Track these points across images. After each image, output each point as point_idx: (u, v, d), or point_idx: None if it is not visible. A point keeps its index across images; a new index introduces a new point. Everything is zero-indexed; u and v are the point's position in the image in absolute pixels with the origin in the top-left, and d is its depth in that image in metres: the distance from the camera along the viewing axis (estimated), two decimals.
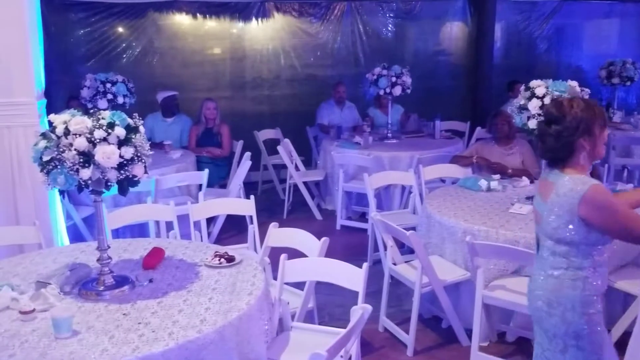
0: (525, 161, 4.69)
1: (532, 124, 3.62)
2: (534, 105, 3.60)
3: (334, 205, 6.14)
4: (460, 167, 4.71)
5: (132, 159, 2.25)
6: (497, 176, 4.33)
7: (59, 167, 2.19)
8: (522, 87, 3.71)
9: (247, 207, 3.80)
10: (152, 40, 7.30)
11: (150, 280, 2.57)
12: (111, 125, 2.23)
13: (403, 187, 5.46)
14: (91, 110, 2.36)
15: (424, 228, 3.79)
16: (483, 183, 4.12)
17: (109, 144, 2.20)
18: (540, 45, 9.02)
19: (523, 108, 3.68)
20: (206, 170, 4.87)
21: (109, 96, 5.22)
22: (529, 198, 3.86)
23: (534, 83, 3.68)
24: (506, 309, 3.24)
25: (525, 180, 4.28)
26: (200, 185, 4.91)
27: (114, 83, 5.30)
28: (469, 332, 3.44)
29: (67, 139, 2.18)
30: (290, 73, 7.93)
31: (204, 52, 7.60)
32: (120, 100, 5.24)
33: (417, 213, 4.62)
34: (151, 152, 2.39)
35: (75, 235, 4.66)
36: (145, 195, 4.61)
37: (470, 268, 3.38)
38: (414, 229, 3.63)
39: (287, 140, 6.31)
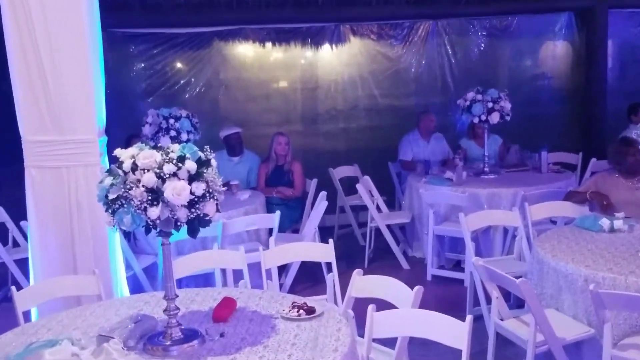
0: None
1: None
2: None
3: (423, 252, 6.05)
4: (575, 205, 4.55)
5: (203, 196, 2.30)
6: (622, 214, 4.14)
7: (125, 205, 2.26)
8: None
9: (325, 252, 3.79)
10: (217, 71, 7.58)
11: (222, 335, 2.58)
12: (181, 159, 2.29)
13: (505, 230, 5.32)
14: (159, 145, 2.44)
15: (536, 276, 3.66)
16: (605, 222, 3.95)
17: (179, 179, 2.25)
18: None
19: None
20: (277, 213, 4.93)
21: (172, 133, 5.40)
22: None
23: None
24: None
25: None
26: (271, 230, 4.97)
27: (177, 118, 5.48)
28: None
29: (134, 174, 2.25)
30: (368, 103, 8.01)
31: (272, 83, 7.83)
32: (184, 136, 5.41)
33: (524, 260, 4.49)
34: (224, 189, 2.43)
35: (135, 287, 4.79)
36: (211, 241, 4.69)
37: (595, 323, 3.22)
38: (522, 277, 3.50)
39: (366, 178, 6.31)
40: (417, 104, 7.96)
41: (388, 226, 6.13)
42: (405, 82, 8.05)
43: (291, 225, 6.08)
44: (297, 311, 2.73)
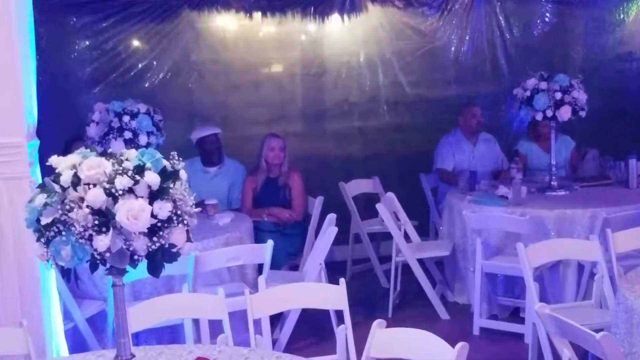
0: None
1: None
2: None
3: (468, 296, 6.04)
4: None
5: (169, 220, 2.31)
6: None
7: (64, 233, 2.26)
8: None
9: (334, 296, 3.77)
10: (188, 52, 7.57)
11: None
12: (140, 170, 2.30)
13: (580, 266, 5.31)
14: (109, 152, 2.45)
15: (622, 330, 3.63)
16: None
17: (137, 197, 2.26)
18: None
19: None
20: (269, 243, 4.92)
21: (127, 134, 5.41)
22: None
23: None
24: None
25: None
26: (261, 266, 4.97)
27: (133, 115, 5.49)
28: None
29: (76, 191, 2.26)
30: (392, 94, 8.03)
31: (262, 67, 7.85)
32: (143, 139, 5.41)
33: (606, 307, 4.47)
34: (197, 210, 2.44)
35: (76, 343, 4.78)
36: (180, 281, 4.70)
37: None
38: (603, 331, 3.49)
39: (390, 195, 6.31)
40: (459, 95, 7.98)
41: (420, 261, 6.11)
42: (442, 65, 8.06)
43: (288, 259, 6.08)
44: None
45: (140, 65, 7.47)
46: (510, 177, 6.22)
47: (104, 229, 2.25)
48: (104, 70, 7.39)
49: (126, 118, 5.50)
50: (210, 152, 6.50)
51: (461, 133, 7.10)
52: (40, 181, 3.81)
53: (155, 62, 7.50)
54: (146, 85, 7.45)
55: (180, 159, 2.46)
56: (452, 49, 8.05)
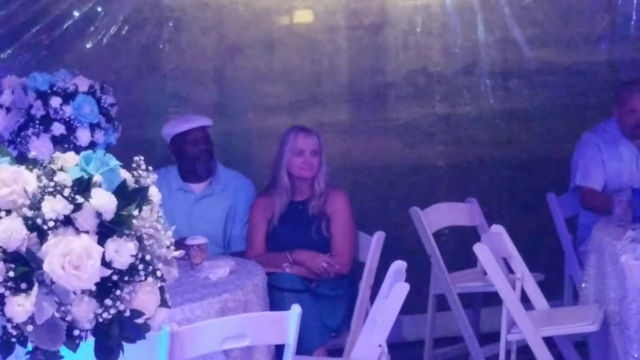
0: None
1: None
2: None
3: None
4: None
5: (131, 271, 2.32)
6: None
7: None
8: None
9: None
10: None
11: None
12: (82, 187, 2.29)
13: None
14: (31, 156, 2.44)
15: None
16: None
17: (79, 232, 2.26)
18: None
19: None
20: (294, 310, 4.90)
21: (57, 127, 5.42)
22: None
23: None
24: None
25: None
26: (280, 349, 4.96)
27: (68, 96, 5.51)
28: None
29: None
30: (501, 60, 8.10)
31: (280, 15, 7.95)
32: (84, 136, 5.42)
33: None
34: (177, 254, 2.49)
35: None
36: None
37: None
38: None
39: (498, 230, 6.27)
40: (615, 62, 8.05)
41: (548, 340, 6.09)
42: (586, 11, 8.07)
43: (325, 336, 6.09)
44: None
45: (77, 14, 7.54)
46: None
47: (23, 286, 2.27)
48: (18, 21, 7.47)
49: (56, 101, 5.52)
50: (194, 158, 6.54)
51: (617, 128, 7.05)
52: None
53: (101, 8, 7.57)
54: (88, 46, 7.53)
55: (150, 168, 2.48)
56: None
